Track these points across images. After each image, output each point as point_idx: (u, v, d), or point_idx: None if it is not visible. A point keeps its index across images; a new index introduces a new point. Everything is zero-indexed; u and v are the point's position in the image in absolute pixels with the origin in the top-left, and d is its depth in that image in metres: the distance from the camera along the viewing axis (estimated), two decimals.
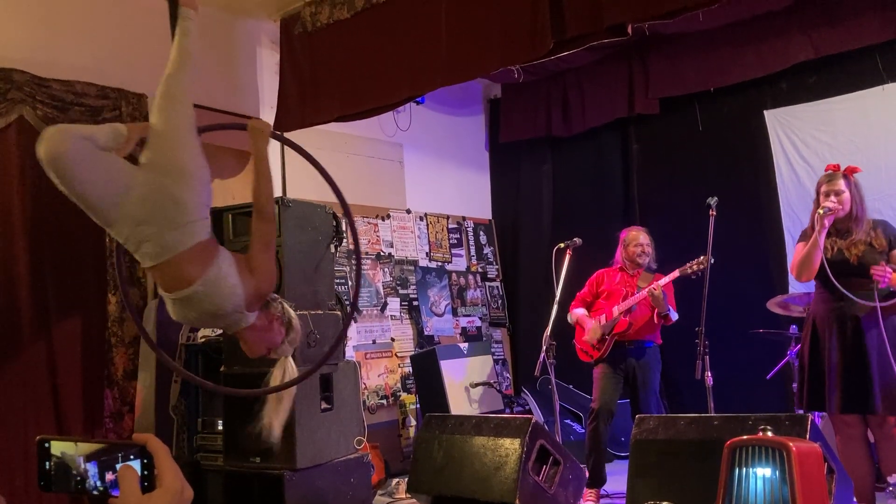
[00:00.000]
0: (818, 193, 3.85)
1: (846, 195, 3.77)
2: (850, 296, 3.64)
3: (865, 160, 5.23)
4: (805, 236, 3.86)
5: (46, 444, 1.04)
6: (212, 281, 2.52)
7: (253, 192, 2.75)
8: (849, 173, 3.84)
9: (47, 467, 1.04)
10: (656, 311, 4.67)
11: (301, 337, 2.88)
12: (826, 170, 3.92)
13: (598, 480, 4.69)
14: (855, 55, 5.28)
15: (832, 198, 3.76)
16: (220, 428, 4.33)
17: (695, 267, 4.54)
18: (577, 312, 4.94)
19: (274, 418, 2.78)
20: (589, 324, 4.78)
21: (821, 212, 3.75)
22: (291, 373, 2.80)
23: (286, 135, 5.57)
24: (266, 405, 2.80)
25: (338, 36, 4.95)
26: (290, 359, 2.83)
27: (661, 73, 6.13)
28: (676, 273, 4.63)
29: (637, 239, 4.89)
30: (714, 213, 4.31)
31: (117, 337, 4.59)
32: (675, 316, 4.68)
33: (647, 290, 4.61)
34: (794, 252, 4.00)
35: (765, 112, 5.81)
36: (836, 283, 3.67)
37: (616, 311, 4.71)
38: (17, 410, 4.25)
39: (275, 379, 2.79)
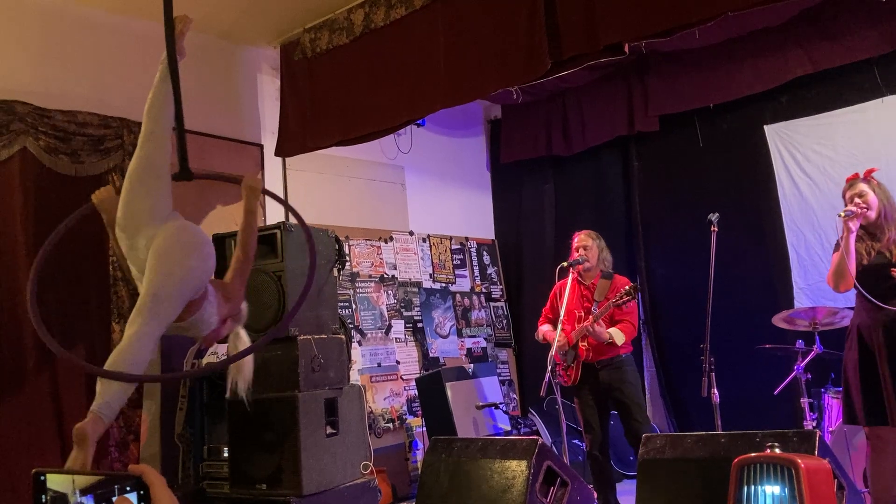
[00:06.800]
0: (845, 203, 3.80)
1: (871, 196, 3.72)
2: (882, 305, 3.56)
3: None
4: (838, 246, 3.77)
5: (42, 478, 1.04)
6: (196, 319, 2.88)
7: (241, 240, 3.13)
8: (867, 176, 3.80)
9: (43, 501, 1.03)
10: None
11: (246, 314, 3.23)
12: (847, 181, 3.88)
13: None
14: (853, 68, 5.30)
15: (856, 200, 3.72)
16: (226, 455, 4.31)
17: (625, 298, 4.49)
18: (543, 329, 4.88)
19: (238, 379, 3.14)
20: (552, 335, 4.68)
21: (841, 214, 3.67)
22: (245, 340, 3.17)
23: (287, 160, 5.65)
24: (230, 369, 3.16)
25: (337, 61, 4.99)
26: (242, 329, 3.19)
27: (660, 91, 6.15)
28: (608, 303, 4.57)
29: (576, 243, 4.84)
30: (716, 229, 4.29)
31: None
32: (620, 340, 4.57)
33: (582, 326, 4.58)
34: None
35: (765, 127, 5.81)
36: (864, 293, 3.59)
37: (574, 336, 4.67)
38: (22, 442, 4.23)
39: (231, 348, 3.16)
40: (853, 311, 3.93)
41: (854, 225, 3.66)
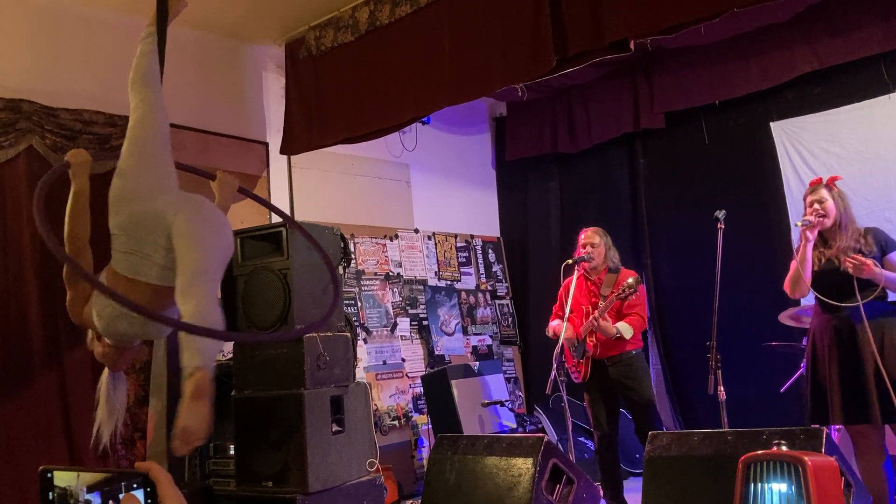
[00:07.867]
0: (805, 207, 3.88)
1: (829, 203, 3.79)
2: (834, 303, 3.65)
3: (873, 169, 5.23)
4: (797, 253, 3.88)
5: (49, 475, 1.04)
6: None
7: None
8: (830, 183, 3.86)
9: (50, 498, 1.04)
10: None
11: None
12: (810, 185, 3.94)
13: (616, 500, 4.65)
14: (860, 65, 5.28)
15: (815, 207, 3.79)
16: (232, 453, 4.32)
17: (627, 290, 4.50)
18: (553, 325, 4.88)
19: (106, 424, 2.93)
20: (560, 328, 4.67)
21: (798, 223, 3.78)
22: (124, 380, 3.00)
23: (292, 158, 5.65)
24: (99, 412, 2.94)
25: (342, 59, 4.99)
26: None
27: (666, 88, 6.14)
28: (612, 296, 4.57)
29: (583, 240, 4.84)
30: (722, 226, 4.28)
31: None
32: (627, 334, 4.57)
33: (589, 321, 4.57)
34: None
35: (771, 124, 5.79)
36: (818, 295, 3.69)
37: (582, 331, 4.66)
38: (29, 439, 4.24)
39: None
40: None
41: (812, 234, 3.77)
